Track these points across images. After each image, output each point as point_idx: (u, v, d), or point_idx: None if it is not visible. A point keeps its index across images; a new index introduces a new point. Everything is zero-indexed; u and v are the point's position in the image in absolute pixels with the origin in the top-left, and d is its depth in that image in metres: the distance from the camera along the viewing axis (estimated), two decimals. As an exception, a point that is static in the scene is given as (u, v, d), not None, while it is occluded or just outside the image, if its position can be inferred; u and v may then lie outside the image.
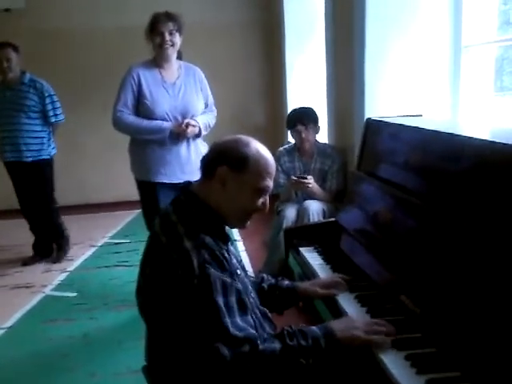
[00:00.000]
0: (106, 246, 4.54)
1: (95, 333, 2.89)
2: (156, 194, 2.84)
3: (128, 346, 2.70)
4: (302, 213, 3.05)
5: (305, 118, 3.22)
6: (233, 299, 1.23)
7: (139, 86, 2.76)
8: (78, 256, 4.23)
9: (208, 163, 1.37)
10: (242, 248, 4.04)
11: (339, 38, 3.21)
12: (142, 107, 2.78)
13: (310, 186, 3.05)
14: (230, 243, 1.43)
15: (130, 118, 2.79)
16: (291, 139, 3.51)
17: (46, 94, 3.87)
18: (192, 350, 1.20)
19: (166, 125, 2.78)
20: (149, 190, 2.88)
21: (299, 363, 1.21)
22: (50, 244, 4.24)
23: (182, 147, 2.86)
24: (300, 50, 4.74)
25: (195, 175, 2.57)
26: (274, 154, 3.23)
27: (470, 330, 1.18)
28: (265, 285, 1.60)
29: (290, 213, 3.12)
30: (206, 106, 2.99)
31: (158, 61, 2.83)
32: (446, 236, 1.36)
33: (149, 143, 2.82)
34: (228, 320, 1.19)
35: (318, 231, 2.11)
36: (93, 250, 4.42)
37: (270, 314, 1.50)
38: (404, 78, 2.69)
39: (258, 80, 5.85)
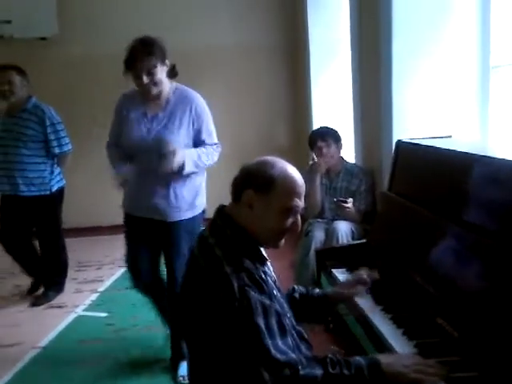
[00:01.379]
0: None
1: (125, 354, 2.91)
2: (133, 227, 2.59)
3: (158, 367, 2.72)
4: (330, 233, 3.05)
5: (325, 134, 3.27)
6: (273, 321, 1.24)
7: (122, 116, 2.50)
8: (108, 276, 4.29)
9: (236, 187, 1.39)
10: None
11: (365, 59, 3.24)
12: (121, 138, 2.53)
13: (349, 209, 3.05)
14: (266, 264, 1.45)
15: (110, 151, 2.61)
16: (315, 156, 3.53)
17: (48, 123, 3.48)
18: (234, 373, 1.22)
19: (120, 169, 2.47)
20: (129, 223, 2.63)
21: None
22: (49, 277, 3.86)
23: (157, 183, 2.45)
24: (325, 71, 4.79)
25: (179, 214, 2.48)
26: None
27: (510, 353, 1.17)
28: (296, 295, 1.63)
29: (319, 233, 3.12)
30: (202, 141, 2.51)
31: (146, 98, 2.45)
32: (482, 257, 1.36)
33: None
34: (269, 342, 1.20)
35: (350, 252, 2.12)
36: (122, 270, 4.47)
37: (306, 335, 1.51)
38: (432, 99, 2.70)
39: (282, 102, 5.91)
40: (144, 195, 2.48)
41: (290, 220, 1.37)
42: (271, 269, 1.51)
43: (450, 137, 2.20)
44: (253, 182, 1.35)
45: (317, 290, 1.65)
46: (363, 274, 1.68)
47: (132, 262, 2.65)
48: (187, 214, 2.50)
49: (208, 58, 5.69)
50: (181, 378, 2.57)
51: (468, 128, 2.65)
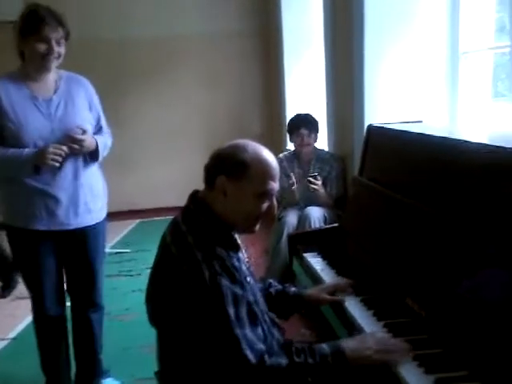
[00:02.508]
0: (107, 256, 4.52)
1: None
2: (32, 247, 2.12)
3: (131, 355, 2.70)
4: (303, 219, 3.07)
5: (309, 123, 3.28)
6: (243, 310, 1.23)
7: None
8: (79, 266, 4.22)
9: (208, 173, 1.36)
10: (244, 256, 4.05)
11: (338, 46, 3.25)
12: (6, 132, 2.02)
13: (318, 187, 3.08)
14: (240, 250, 1.43)
15: None
16: (290, 146, 3.54)
17: None
18: (203, 361, 1.23)
19: (28, 153, 2.00)
20: (23, 241, 2.13)
21: (306, 381, 1.20)
22: None
23: (66, 180, 2.11)
24: (298, 57, 4.78)
25: (92, 217, 2.18)
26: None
27: (475, 330, 1.20)
28: (272, 290, 1.62)
29: (292, 219, 3.13)
30: (100, 128, 2.26)
31: (28, 72, 2.07)
32: (450, 239, 1.38)
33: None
34: (239, 331, 1.20)
35: (322, 237, 2.14)
36: (93, 259, 4.42)
37: (277, 320, 1.51)
38: (403, 85, 2.72)
39: (256, 88, 5.89)
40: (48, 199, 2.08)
41: (266, 204, 1.35)
42: (245, 255, 1.50)
43: (420, 122, 2.22)
44: (225, 167, 1.32)
45: (293, 288, 1.64)
46: (343, 281, 1.68)
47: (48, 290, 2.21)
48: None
49: (176, 47, 5.63)
50: None
51: (438, 113, 2.69)
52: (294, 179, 3.13)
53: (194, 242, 1.28)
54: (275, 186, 1.35)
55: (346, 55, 3.01)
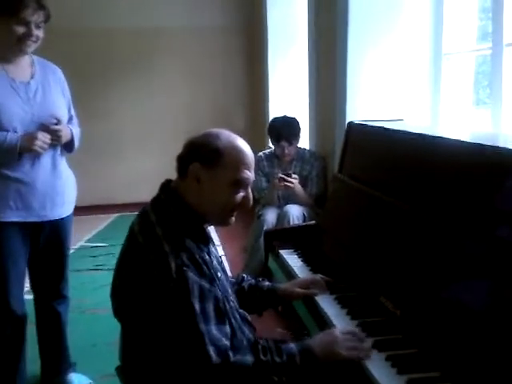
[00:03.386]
0: (81, 249, 4.45)
1: (68, 336, 2.82)
2: (3, 240, 2.01)
3: (101, 350, 2.64)
4: (282, 217, 3.04)
5: (290, 135, 3.17)
6: (210, 306, 1.19)
7: None
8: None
9: (181, 161, 1.32)
10: (221, 253, 4.01)
11: (322, 45, 3.23)
12: None
13: (293, 185, 3.03)
14: (211, 244, 1.39)
15: None
16: (271, 145, 3.51)
17: None
18: (166, 355, 1.18)
19: (12, 137, 1.93)
20: None
21: (271, 380, 1.16)
22: None
23: (45, 170, 2.05)
24: (282, 55, 4.76)
25: (66, 208, 2.13)
26: (255, 159, 3.19)
27: (449, 330, 1.17)
28: (245, 285, 1.58)
29: (271, 217, 3.10)
30: (71, 117, 2.21)
31: (3, 53, 1.99)
32: (426, 237, 1.36)
33: None
34: (203, 326, 1.15)
35: (299, 234, 2.10)
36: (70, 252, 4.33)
37: (249, 318, 1.47)
38: (386, 84, 2.72)
39: (239, 84, 5.86)
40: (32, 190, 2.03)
41: (240, 194, 1.31)
42: (216, 249, 1.46)
43: (401, 120, 2.21)
44: (199, 154, 1.28)
45: (266, 283, 1.60)
46: (319, 277, 1.64)
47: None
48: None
49: (160, 40, 5.58)
50: None
51: (420, 113, 2.68)
52: (280, 176, 3.07)
53: (163, 233, 1.23)
54: (250, 175, 1.31)
55: (329, 54, 2.99)
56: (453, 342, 1.15)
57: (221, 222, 1.39)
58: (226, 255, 3.98)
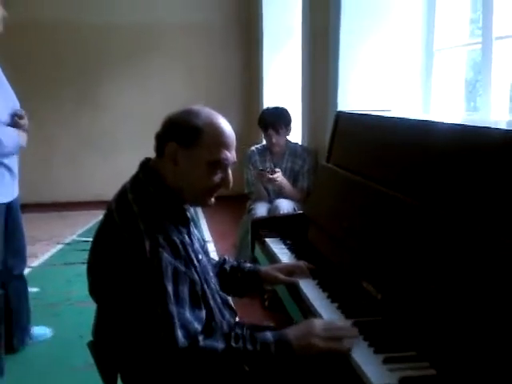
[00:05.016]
0: (73, 243, 4.44)
1: (57, 327, 2.81)
2: None
3: (87, 341, 2.62)
4: (272, 211, 3.03)
5: (276, 122, 3.16)
6: (184, 289, 1.16)
7: None
8: (43, 253, 4.13)
9: (158, 140, 1.28)
10: (212, 249, 3.99)
11: (315, 38, 3.23)
12: None
13: (278, 179, 3.02)
14: (192, 225, 1.36)
15: None
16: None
17: None
18: (137, 335, 1.15)
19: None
20: None
21: (242, 368, 1.11)
22: None
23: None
24: (277, 49, 4.76)
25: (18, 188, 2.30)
26: (247, 153, 3.16)
27: (427, 311, 1.17)
28: (227, 266, 1.56)
29: (261, 211, 3.09)
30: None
31: None
32: (407, 222, 1.36)
33: None
34: (174, 308, 1.12)
35: (285, 223, 2.09)
36: (59, 247, 4.32)
37: (231, 302, 1.45)
38: (377, 78, 2.71)
39: (233, 80, 5.87)
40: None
41: (219, 175, 1.27)
42: (200, 230, 1.44)
43: (389, 111, 2.20)
44: (176, 133, 1.24)
45: (248, 265, 1.57)
46: (302, 263, 1.62)
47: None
48: None
49: (156, 34, 5.58)
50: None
51: (412, 106, 2.68)
52: (258, 172, 3.07)
53: (140, 212, 1.20)
54: (229, 156, 1.27)
55: (322, 48, 2.98)
56: (429, 323, 1.15)
57: (199, 203, 1.36)
58: (217, 251, 3.96)
